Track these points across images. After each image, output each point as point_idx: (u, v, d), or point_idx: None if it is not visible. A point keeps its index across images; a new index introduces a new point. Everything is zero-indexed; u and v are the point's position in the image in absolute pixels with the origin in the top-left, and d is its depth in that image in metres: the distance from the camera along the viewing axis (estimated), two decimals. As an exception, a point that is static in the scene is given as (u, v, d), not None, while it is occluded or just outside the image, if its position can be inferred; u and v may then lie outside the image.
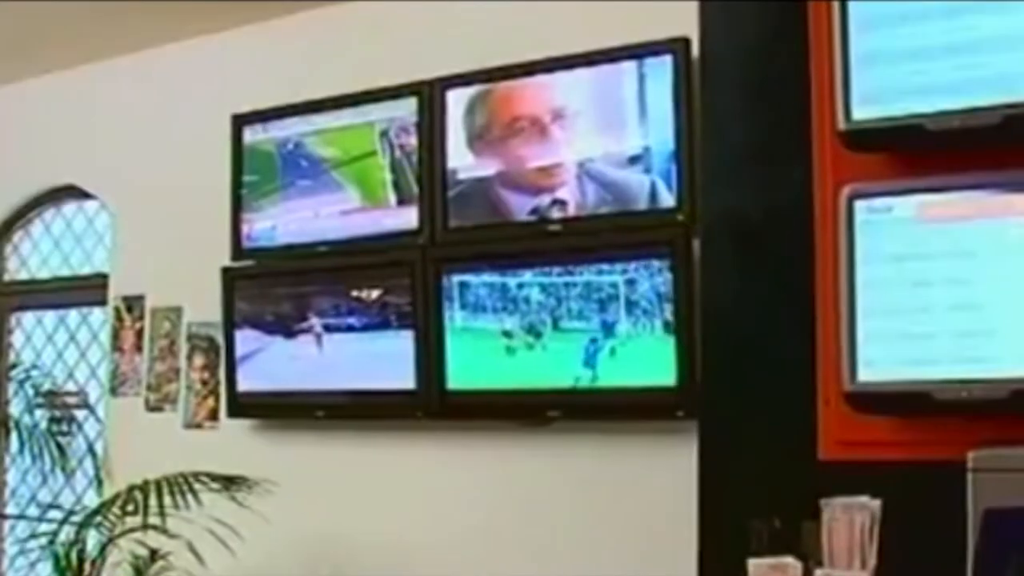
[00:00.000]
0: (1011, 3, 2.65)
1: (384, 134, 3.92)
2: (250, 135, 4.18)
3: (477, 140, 3.78)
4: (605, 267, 3.52)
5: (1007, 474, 2.57)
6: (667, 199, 3.47)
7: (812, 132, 2.84)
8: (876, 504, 2.71)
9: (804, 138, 2.85)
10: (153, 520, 3.64)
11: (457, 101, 3.80)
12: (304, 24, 4.18)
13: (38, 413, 4.73)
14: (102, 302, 4.69)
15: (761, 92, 2.96)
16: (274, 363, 4.10)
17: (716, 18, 3.06)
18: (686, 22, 3.22)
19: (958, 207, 2.67)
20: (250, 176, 4.19)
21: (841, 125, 2.72)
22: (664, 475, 3.36)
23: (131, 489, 3.74)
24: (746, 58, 3.01)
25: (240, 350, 4.16)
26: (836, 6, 2.73)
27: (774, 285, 2.90)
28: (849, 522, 2.72)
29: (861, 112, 2.71)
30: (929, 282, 2.68)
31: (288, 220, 4.11)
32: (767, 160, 2.94)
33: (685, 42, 3.41)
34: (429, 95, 3.84)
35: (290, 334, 4.06)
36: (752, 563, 2.75)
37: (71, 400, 4.76)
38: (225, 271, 4.19)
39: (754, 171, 2.97)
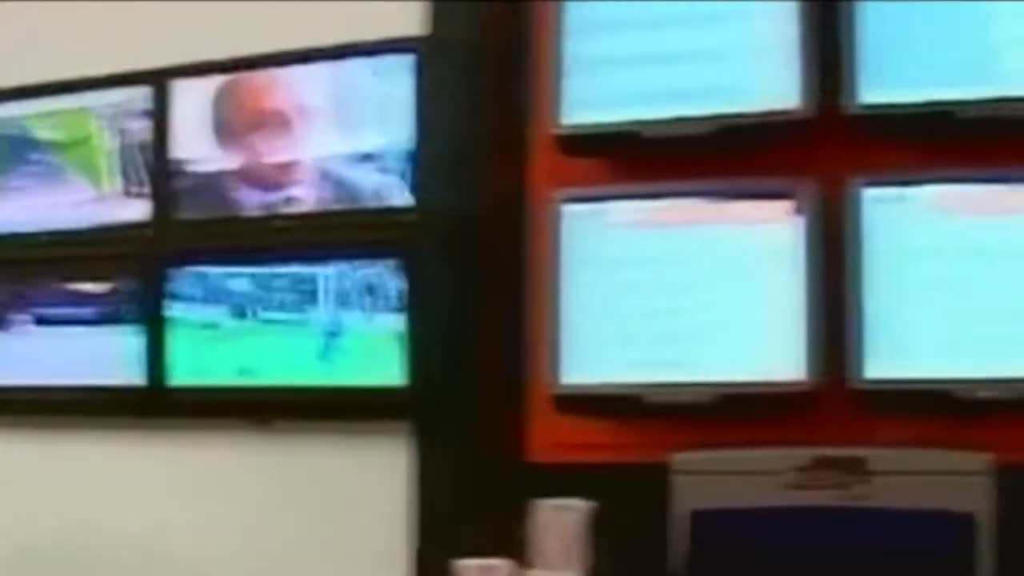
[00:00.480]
0: (728, 14, 2.72)
1: (112, 122, 3.80)
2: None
3: (215, 133, 3.69)
4: (337, 265, 3.47)
5: (711, 476, 2.63)
6: (402, 198, 3.44)
7: (530, 135, 2.86)
8: (588, 506, 2.74)
9: (523, 140, 2.87)
10: None
11: (191, 92, 3.71)
12: (35, 5, 4.02)
13: None
14: None
15: (483, 92, 2.97)
16: (-10, 357, 3.93)
17: (443, 17, 3.06)
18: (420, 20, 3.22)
19: (671, 213, 2.73)
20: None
21: (555, 129, 2.75)
22: (390, 476, 3.33)
23: None
24: (471, 58, 3.02)
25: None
26: (554, 8, 2.76)
27: (492, 287, 2.91)
28: (561, 524, 2.74)
29: (577, 116, 2.74)
30: (641, 286, 2.73)
31: (8, 208, 3.95)
32: (488, 161, 2.95)
33: (423, 40, 3.39)
34: (159, 84, 3.73)
35: (7, 327, 3.90)
36: (461, 565, 2.75)
37: None
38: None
39: (476, 172, 2.97)
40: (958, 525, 2.48)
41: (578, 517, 2.72)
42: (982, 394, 2.56)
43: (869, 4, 2.66)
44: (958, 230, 2.62)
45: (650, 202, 2.73)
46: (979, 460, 2.52)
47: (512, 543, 2.76)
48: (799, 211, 2.66)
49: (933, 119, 2.62)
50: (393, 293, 3.36)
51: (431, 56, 3.16)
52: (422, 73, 3.37)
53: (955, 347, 2.60)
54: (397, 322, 3.34)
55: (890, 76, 2.65)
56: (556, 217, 2.75)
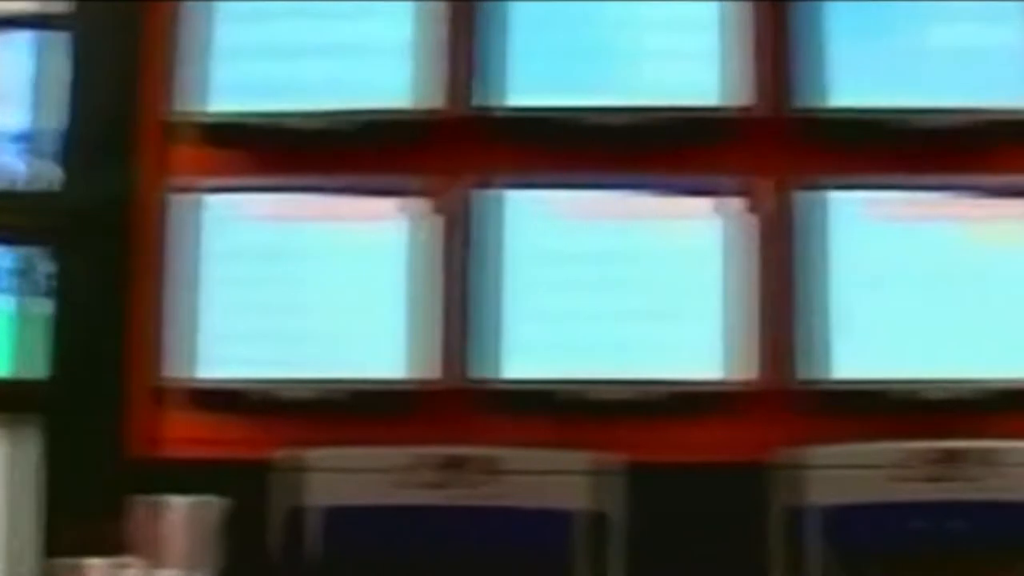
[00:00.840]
0: (362, 12, 2.72)
1: None
2: None
3: None
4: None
5: (334, 473, 2.61)
6: (39, 183, 3.21)
7: (153, 125, 2.79)
8: (208, 502, 2.67)
9: (144, 130, 2.80)
10: None
11: None
12: None
13: None
14: None
15: (105, 80, 2.87)
16: None
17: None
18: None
19: (289, 208, 2.70)
20: None
21: (184, 118, 2.70)
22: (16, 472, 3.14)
23: None
24: (98, 45, 2.90)
25: None
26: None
27: (110, 279, 2.81)
28: (181, 520, 2.67)
29: (209, 106, 2.69)
30: (261, 281, 2.69)
31: None
32: (112, 151, 2.85)
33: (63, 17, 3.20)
34: None
35: None
36: (86, 563, 2.64)
37: None
38: None
39: (98, 161, 2.87)
40: (586, 523, 2.55)
41: (200, 513, 2.66)
42: (597, 395, 2.63)
43: (512, 10, 2.71)
44: (582, 235, 2.69)
45: (285, 195, 2.71)
46: (605, 460, 2.59)
47: (132, 540, 2.67)
48: (424, 210, 2.67)
49: (562, 124, 2.68)
50: (28, 281, 3.15)
51: (64, 40, 3.03)
52: (55, 56, 3.17)
53: (574, 349, 2.66)
54: (39, 311, 3.15)
55: (528, 80, 2.70)
56: (177, 207, 2.70)
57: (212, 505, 2.66)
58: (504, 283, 2.66)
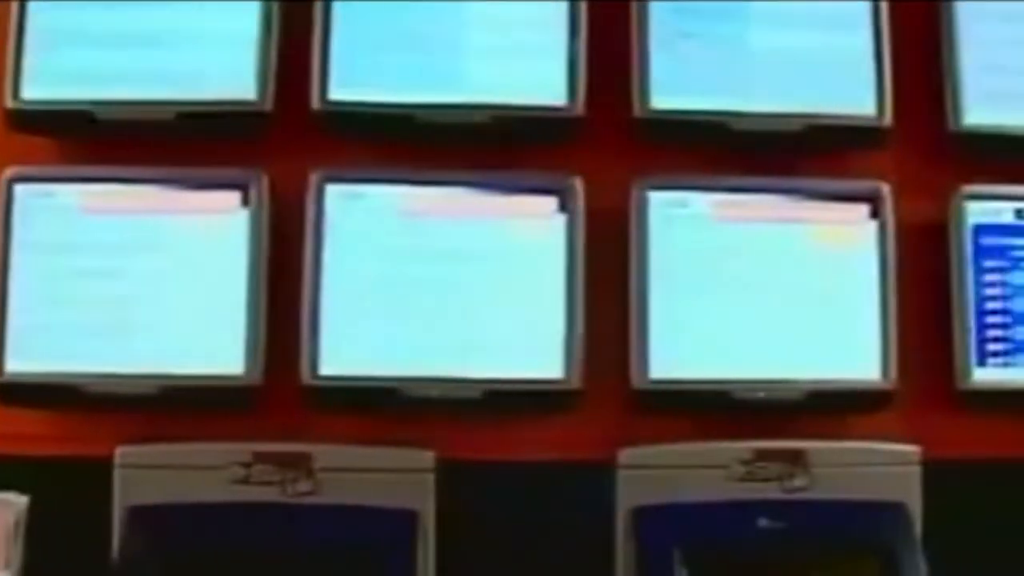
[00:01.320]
0: (203, 3, 2.69)
1: None
2: None
3: None
4: None
5: (152, 471, 2.56)
6: None
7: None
8: (21, 500, 2.62)
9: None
10: None
11: None
12: None
13: None
14: None
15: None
16: None
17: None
18: None
19: (121, 200, 2.65)
20: None
21: (8, 103, 2.64)
22: None
23: None
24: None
25: None
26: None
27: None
28: (-8, 519, 2.62)
29: (27, 93, 2.63)
30: (86, 273, 2.63)
31: None
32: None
33: None
34: None
35: None
36: None
37: None
38: None
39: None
40: (400, 521, 2.52)
41: (11, 513, 2.60)
42: (425, 393, 2.61)
43: (339, 4, 2.69)
44: (419, 232, 2.67)
45: (99, 186, 2.64)
46: (421, 457, 2.58)
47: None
48: (249, 203, 2.63)
49: (395, 121, 2.66)
50: None
51: None
52: None
53: (407, 347, 2.64)
54: None
55: (358, 75, 2.67)
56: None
57: (14, 503, 2.60)
58: (333, 280, 2.62)
